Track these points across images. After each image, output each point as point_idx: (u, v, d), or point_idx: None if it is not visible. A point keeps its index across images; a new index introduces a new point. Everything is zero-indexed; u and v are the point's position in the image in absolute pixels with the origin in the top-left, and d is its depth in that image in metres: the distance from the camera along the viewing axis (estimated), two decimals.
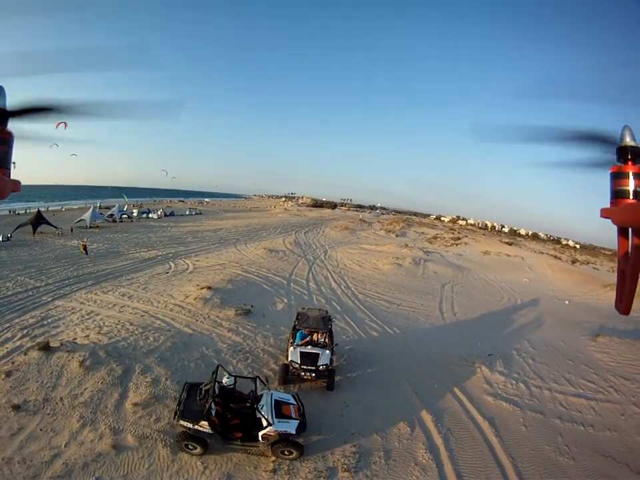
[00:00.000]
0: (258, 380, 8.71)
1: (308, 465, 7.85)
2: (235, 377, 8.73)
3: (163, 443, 8.04)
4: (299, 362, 10.56)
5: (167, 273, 22.98)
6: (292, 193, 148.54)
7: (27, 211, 46.98)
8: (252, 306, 16.66)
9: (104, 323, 13.86)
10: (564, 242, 72.37)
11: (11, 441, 7.82)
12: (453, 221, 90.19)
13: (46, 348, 10.91)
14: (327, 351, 10.93)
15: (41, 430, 8.20)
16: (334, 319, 14.22)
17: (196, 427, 7.62)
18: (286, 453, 7.90)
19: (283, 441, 7.87)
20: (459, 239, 47.74)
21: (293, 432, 7.91)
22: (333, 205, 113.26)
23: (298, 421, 8.13)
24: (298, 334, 11.80)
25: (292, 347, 11.18)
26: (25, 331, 12.86)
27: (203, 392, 8.28)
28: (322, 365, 10.47)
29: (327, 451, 8.31)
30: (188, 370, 11.03)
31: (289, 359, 10.86)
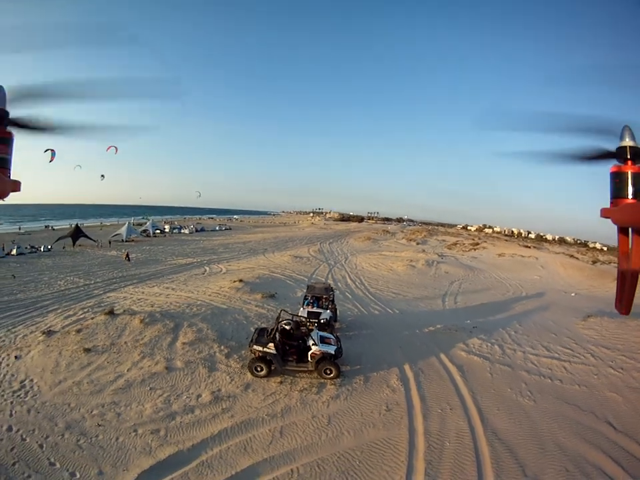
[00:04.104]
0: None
1: (305, 380, 10.85)
2: (293, 316, 12.49)
3: (203, 365, 11.26)
4: (306, 317, 13.85)
5: (203, 274, 26.59)
6: (319, 208, 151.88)
7: (70, 225, 51.20)
8: (276, 293, 19.85)
9: (154, 303, 17.30)
10: (591, 245, 71.19)
11: (81, 371, 10.89)
12: (479, 230, 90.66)
13: (111, 313, 14.24)
14: (328, 311, 14.39)
15: (107, 362, 11.34)
16: (336, 290, 17.81)
17: (264, 349, 10.82)
18: (327, 371, 10.91)
19: (325, 359, 10.96)
20: (477, 244, 49.07)
21: (332, 352, 11.07)
22: (360, 219, 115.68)
23: (336, 347, 11.33)
24: (307, 300, 15.33)
25: (302, 308, 14.84)
26: (85, 309, 16.33)
27: (269, 331, 11.62)
28: (322, 319, 13.77)
29: None
30: (224, 326, 14.38)
31: (299, 315, 13.99)
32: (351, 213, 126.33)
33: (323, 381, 10.84)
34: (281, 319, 11.84)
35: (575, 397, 10.50)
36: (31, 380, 10.51)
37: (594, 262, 39.54)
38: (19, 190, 3.89)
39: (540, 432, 8.98)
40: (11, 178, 3.77)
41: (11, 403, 9.47)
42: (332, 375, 10.87)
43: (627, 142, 3.99)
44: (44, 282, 21.75)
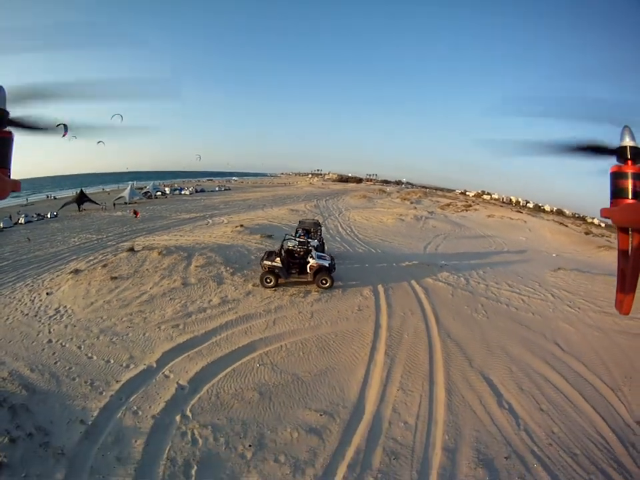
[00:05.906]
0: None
1: (295, 288, 13.52)
2: (295, 238, 15.38)
3: (213, 280, 13.80)
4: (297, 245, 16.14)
5: (207, 224, 28.92)
6: (318, 170, 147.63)
7: (75, 193, 50.55)
8: (273, 234, 22.20)
9: (166, 244, 19.57)
10: (589, 220, 71.46)
11: (110, 294, 13.05)
12: (477, 196, 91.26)
13: (131, 250, 16.60)
14: (315, 240, 16.58)
15: (132, 285, 13.63)
16: (327, 234, 20.41)
17: (272, 262, 13.54)
18: (323, 281, 13.51)
19: (321, 271, 13.59)
20: (470, 206, 50.57)
21: (327, 265, 13.73)
22: (359, 180, 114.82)
23: (330, 261, 13.98)
24: (298, 232, 17.69)
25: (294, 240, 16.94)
26: (104, 254, 18.62)
27: (276, 251, 14.29)
28: (310, 247, 15.88)
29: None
30: (229, 255, 16.79)
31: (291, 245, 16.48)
32: (350, 175, 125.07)
33: (309, 288, 13.50)
34: (285, 239, 14.66)
35: (527, 321, 11.86)
36: (65, 306, 12.27)
37: (586, 233, 38.81)
38: (18, 190, 3.76)
39: (489, 339, 10.62)
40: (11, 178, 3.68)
41: (49, 324, 11.09)
42: (327, 285, 13.54)
43: (627, 142, 3.83)
44: (58, 240, 23.46)
